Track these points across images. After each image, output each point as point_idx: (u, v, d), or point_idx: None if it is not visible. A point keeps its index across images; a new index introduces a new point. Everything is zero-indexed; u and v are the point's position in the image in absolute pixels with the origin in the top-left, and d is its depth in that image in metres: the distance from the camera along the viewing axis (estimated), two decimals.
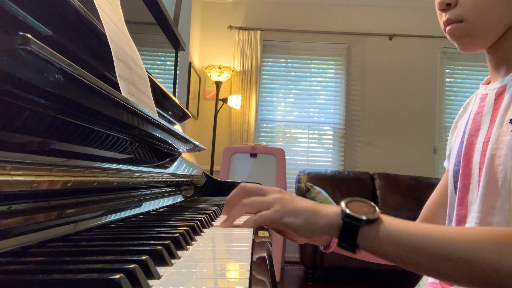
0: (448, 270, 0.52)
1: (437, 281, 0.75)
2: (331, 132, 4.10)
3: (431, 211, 0.86)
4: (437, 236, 0.54)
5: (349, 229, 0.57)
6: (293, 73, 4.18)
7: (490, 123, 0.68)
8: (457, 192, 0.73)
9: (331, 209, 0.61)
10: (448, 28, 0.68)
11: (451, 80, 4.14)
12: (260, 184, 1.22)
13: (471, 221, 0.68)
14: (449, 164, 0.82)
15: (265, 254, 0.51)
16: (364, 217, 0.57)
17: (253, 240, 0.58)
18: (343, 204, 0.59)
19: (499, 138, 0.64)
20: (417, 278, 0.83)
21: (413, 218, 0.90)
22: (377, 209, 0.58)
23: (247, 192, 0.68)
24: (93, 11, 0.60)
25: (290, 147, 4.06)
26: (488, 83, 0.75)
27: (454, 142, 0.80)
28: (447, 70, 4.11)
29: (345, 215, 0.58)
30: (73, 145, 0.54)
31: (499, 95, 0.69)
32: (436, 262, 0.53)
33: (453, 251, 0.52)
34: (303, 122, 4.10)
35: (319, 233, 0.60)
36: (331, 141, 4.10)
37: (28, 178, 0.39)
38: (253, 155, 3.26)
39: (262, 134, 4.10)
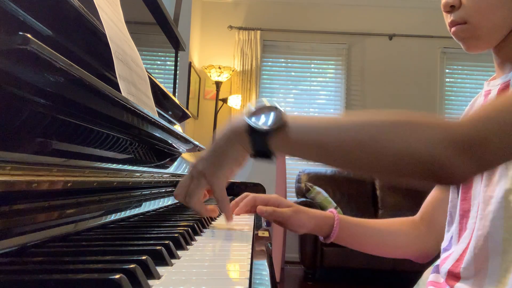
0: (361, 157, 0.51)
1: (438, 280, 0.74)
2: None
3: (431, 207, 0.86)
4: (346, 125, 0.53)
5: (258, 141, 0.56)
6: (293, 73, 4.18)
7: None
8: (460, 187, 0.73)
9: (238, 126, 0.59)
10: (452, 29, 0.69)
11: (451, 80, 4.14)
12: (260, 185, 1.22)
13: (473, 215, 0.68)
14: None
15: (265, 254, 0.51)
16: (267, 127, 0.55)
17: (253, 240, 0.58)
18: (245, 116, 0.58)
19: None
20: (417, 278, 0.83)
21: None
22: (282, 110, 0.56)
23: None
24: (93, 11, 0.60)
25: None
26: (494, 79, 0.75)
27: None
28: (447, 70, 4.11)
29: (250, 131, 0.57)
30: (73, 145, 0.54)
31: (502, 90, 0.69)
32: (349, 152, 0.52)
33: (363, 136, 0.51)
34: None
35: (240, 157, 0.60)
36: None
37: (28, 178, 0.39)
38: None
39: None
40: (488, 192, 0.65)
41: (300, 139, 0.55)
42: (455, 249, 0.70)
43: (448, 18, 0.70)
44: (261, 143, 0.56)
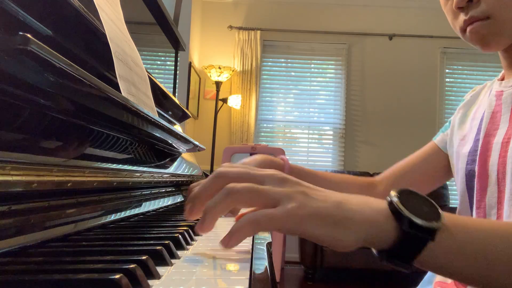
0: None
1: (446, 280, 0.73)
2: (331, 132, 4.10)
3: (399, 171, 0.85)
4: None
5: (411, 243, 0.40)
6: (293, 73, 4.18)
7: (509, 122, 0.66)
8: (475, 193, 0.70)
9: (376, 209, 0.42)
10: (470, 27, 0.64)
11: (451, 80, 4.14)
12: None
13: None
14: (454, 154, 0.79)
15: (265, 254, 0.51)
16: (435, 227, 0.40)
17: (253, 240, 0.58)
18: (398, 203, 0.41)
19: None
20: (417, 278, 0.83)
21: None
22: (439, 208, 0.43)
23: (231, 180, 0.44)
24: (93, 11, 0.60)
25: (290, 147, 4.06)
26: (503, 79, 0.72)
27: (466, 137, 0.77)
28: (447, 70, 4.11)
29: (408, 224, 0.40)
30: (73, 145, 0.54)
31: None
32: None
33: None
34: (303, 122, 4.10)
35: (358, 245, 0.42)
36: (331, 141, 4.10)
37: (28, 178, 0.39)
38: (253, 155, 3.26)
39: (262, 134, 4.10)
40: None
41: (465, 251, 0.41)
42: None
43: (461, 17, 0.65)
44: (415, 245, 0.40)
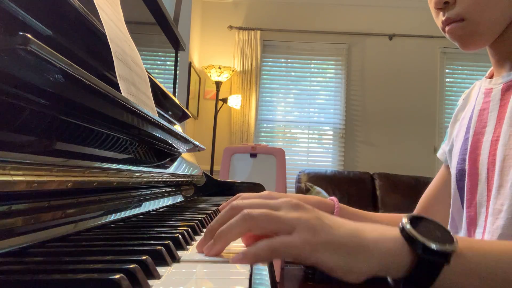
0: None
1: None
2: (331, 132, 4.10)
3: (427, 203, 0.84)
4: None
5: (427, 268, 0.40)
6: (293, 73, 4.18)
7: (497, 120, 0.66)
8: (465, 192, 0.70)
9: (389, 237, 0.42)
10: (447, 28, 0.65)
11: (451, 80, 4.14)
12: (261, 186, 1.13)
13: (481, 224, 0.66)
14: (450, 161, 0.79)
15: None
16: (450, 250, 0.41)
17: None
18: (411, 229, 0.41)
19: None
20: None
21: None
22: (451, 232, 0.43)
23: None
24: (93, 11, 0.60)
25: (290, 147, 4.06)
26: (491, 76, 0.72)
27: (456, 138, 0.77)
28: (447, 70, 4.11)
29: (423, 249, 0.40)
30: (73, 145, 0.54)
31: (506, 90, 0.66)
32: None
33: None
34: (303, 122, 4.10)
35: (371, 274, 0.41)
36: (331, 141, 4.10)
37: (28, 178, 0.39)
38: (253, 155, 3.26)
39: (262, 134, 4.10)
40: (497, 205, 0.62)
41: (478, 267, 0.42)
42: None
43: (440, 16, 0.66)
44: (431, 270, 0.40)
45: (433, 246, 0.40)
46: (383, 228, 0.43)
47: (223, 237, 0.43)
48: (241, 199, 0.47)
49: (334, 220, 0.44)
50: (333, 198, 0.82)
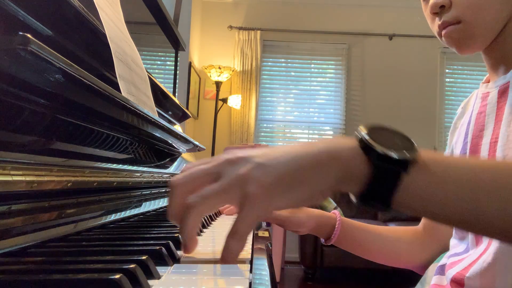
0: None
1: (442, 282, 0.73)
2: (331, 132, 4.10)
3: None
4: (501, 168, 0.39)
5: (384, 179, 0.38)
6: (293, 73, 4.18)
7: (495, 122, 0.66)
8: None
9: (344, 147, 0.39)
10: (444, 31, 0.66)
11: (451, 80, 4.14)
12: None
13: None
14: None
15: (265, 254, 0.51)
16: (408, 158, 0.37)
17: (253, 240, 0.58)
18: (366, 136, 0.38)
19: (510, 138, 0.61)
20: (417, 278, 0.83)
21: (414, 218, 0.89)
22: (414, 142, 0.40)
23: (189, 189, 0.40)
24: (93, 11, 0.60)
25: None
26: (488, 81, 0.73)
27: (455, 144, 0.78)
28: (447, 70, 4.11)
29: (378, 157, 0.37)
30: (73, 145, 0.54)
31: (502, 92, 0.67)
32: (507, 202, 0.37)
33: None
34: (303, 122, 4.10)
35: (331, 189, 0.39)
36: None
37: (28, 178, 0.39)
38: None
39: (262, 134, 4.10)
40: None
41: (443, 179, 0.38)
42: (467, 255, 0.67)
43: (436, 21, 0.67)
44: (389, 180, 0.38)
45: (389, 153, 0.37)
46: (338, 139, 0.40)
47: (183, 234, 0.39)
48: (182, 177, 0.41)
49: (278, 149, 0.40)
50: (336, 211, 0.84)
